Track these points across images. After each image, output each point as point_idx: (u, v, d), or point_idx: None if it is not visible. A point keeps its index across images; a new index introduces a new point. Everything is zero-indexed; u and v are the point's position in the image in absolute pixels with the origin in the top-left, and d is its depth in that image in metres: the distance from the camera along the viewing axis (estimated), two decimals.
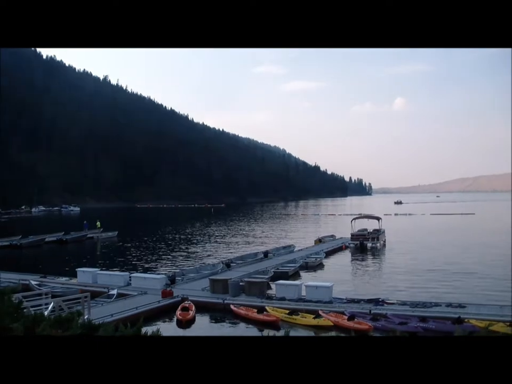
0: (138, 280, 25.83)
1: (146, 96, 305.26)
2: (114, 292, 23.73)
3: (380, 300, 21.46)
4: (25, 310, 5.35)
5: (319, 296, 21.63)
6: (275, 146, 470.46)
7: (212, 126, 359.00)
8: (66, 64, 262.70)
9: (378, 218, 49.33)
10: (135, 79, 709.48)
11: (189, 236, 60.57)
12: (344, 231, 51.09)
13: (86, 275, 27.46)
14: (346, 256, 40.87)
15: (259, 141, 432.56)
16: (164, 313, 21.04)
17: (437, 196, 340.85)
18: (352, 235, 45.06)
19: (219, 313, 21.51)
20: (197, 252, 43.95)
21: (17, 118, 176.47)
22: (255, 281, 24.23)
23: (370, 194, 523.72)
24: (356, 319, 18.32)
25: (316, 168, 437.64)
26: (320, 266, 34.50)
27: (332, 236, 51.30)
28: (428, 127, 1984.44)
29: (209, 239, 56.54)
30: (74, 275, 28.25)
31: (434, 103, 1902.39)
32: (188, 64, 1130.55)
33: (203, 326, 19.77)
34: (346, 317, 18.75)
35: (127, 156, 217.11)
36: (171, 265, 35.66)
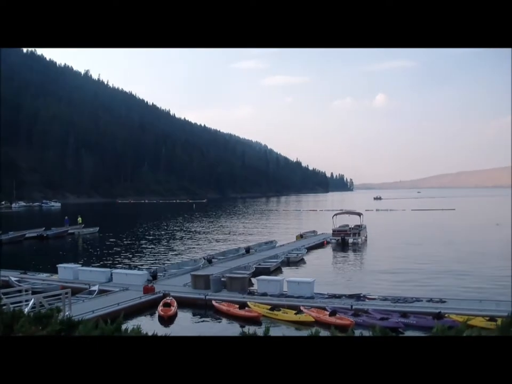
0: (120, 276, 25.68)
1: (127, 91, 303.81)
2: (96, 288, 23.51)
3: (361, 295, 21.59)
4: (4, 307, 5.26)
5: (301, 291, 21.70)
6: (256, 141, 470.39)
7: (193, 121, 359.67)
8: (47, 59, 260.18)
9: (359, 214, 49.64)
10: (116, 75, 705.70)
11: (171, 232, 60.30)
12: (326, 226, 51.19)
13: (67, 271, 27.20)
14: (327, 251, 41.09)
15: (240, 136, 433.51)
16: (145, 309, 20.97)
17: (418, 192, 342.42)
18: (333, 231, 45.29)
19: (201, 309, 21.50)
20: (179, 248, 43.84)
21: None
22: (237, 276, 24.25)
23: (351, 190, 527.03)
24: (337, 315, 18.43)
25: (297, 163, 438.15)
26: (301, 262, 34.64)
27: (314, 231, 51.18)
28: (409, 123, 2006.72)
29: (190, 234, 56.38)
30: (55, 271, 27.95)
31: (416, 99, 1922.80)
32: (170, 60, 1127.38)
33: (185, 322, 19.76)
34: (327, 313, 18.84)
35: (108, 151, 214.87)
36: (153, 261, 35.48)
